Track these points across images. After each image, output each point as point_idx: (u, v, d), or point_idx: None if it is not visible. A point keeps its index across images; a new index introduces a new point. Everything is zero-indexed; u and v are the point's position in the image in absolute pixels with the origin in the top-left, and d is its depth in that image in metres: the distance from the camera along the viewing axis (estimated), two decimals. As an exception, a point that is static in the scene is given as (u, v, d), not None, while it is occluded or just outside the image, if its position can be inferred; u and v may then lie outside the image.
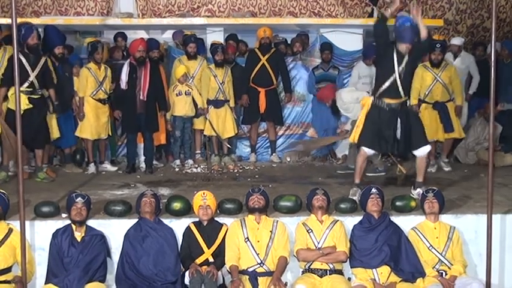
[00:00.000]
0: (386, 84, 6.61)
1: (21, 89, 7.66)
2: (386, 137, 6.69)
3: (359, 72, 9.58)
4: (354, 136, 6.85)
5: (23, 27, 7.84)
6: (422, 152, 6.78)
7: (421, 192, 6.53)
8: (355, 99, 8.50)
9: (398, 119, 6.66)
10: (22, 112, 7.49)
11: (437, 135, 8.66)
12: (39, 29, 9.14)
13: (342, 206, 6.29)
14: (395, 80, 6.59)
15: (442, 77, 8.57)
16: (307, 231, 5.82)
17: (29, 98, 7.74)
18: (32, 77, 7.77)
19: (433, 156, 8.81)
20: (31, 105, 7.73)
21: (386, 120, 6.66)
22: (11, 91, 7.74)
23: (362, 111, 6.84)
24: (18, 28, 7.69)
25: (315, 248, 5.74)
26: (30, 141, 7.85)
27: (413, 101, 8.59)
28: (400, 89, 6.62)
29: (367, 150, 6.78)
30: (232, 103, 9.47)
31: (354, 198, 6.52)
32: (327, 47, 9.82)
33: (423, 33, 6.53)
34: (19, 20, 8.72)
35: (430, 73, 8.57)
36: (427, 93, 8.62)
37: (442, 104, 8.63)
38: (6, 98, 7.84)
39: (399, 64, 6.58)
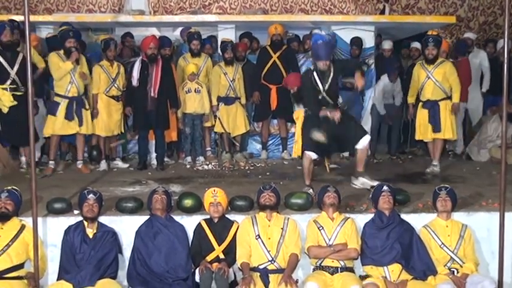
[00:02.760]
0: (315, 101, 6.79)
1: (5, 86, 7.78)
2: (326, 143, 6.76)
3: (383, 87, 9.58)
4: (297, 151, 7.04)
5: None
6: (362, 143, 6.90)
7: (366, 181, 6.78)
8: None
9: (333, 123, 6.75)
10: (7, 110, 7.66)
11: (426, 135, 8.35)
12: (52, 26, 9.25)
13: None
14: (323, 98, 6.80)
15: (435, 74, 8.14)
16: (318, 228, 5.81)
17: (13, 95, 7.79)
18: (13, 74, 7.81)
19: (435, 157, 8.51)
20: (15, 102, 7.78)
21: (322, 125, 6.74)
22: None
23: (297, 124, 7.02)
24: None
25: (326, 245, 5.74)
26: (17, 138, 7.93)
27: (409, 99, 8.59)
28: (330, 101, 6.82)
29: (311, 154, 6.89)
30: (243, 100, 9.47)
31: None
32: (356, 41, 9.77)
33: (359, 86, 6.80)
34: (15, 17, 8.89)
35: (423, 70, 8.25)
36: (420, 91, 8.33)
37: (432, 103, 8.20)
38: None
39: (324, 83, 6.77)
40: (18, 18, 8.57)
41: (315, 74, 6.76)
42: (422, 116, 8.33)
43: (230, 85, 9.29)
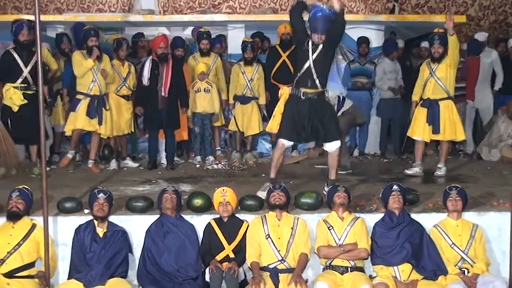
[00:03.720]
0: (302, 71, 6.60)
1: (16, 84, 7.83)
2: (303, 127, 6.62)
3: (384, 68, 9.56)
4: (271, 126, 6.81)
5: (14, 23, 7.97)
6: (330, 147, 6.68)
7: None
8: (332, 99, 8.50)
9: (314, 110, 6.60)
10: (17, 108, 7.70)
11: (424, 135, 8.02)
12: (63, 26, 9.27)
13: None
14: (310, 67, 6.57)
15: (437, 71, 7.84)
16: (328, 228, 5.80)
17: (23, 94, 7.84)
18: (26, 72, 7.86)
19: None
20: (26, 101, 7.83)
21: (303, 109, 6.60)
22: (5, 88, 7.87)
23: (280, 101, 6.78)
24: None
25: (336, 245, 5.73)
26: (25, 137, 7.99)
27: (413, 97, 8.32)
28: (316, 78, 6.57)
29: (285, 142, 6.72)
30: (262, 101, 9.47)
31: (262, 194, 6.47)
32: (364, 40, 9.81)
33: (336, 6, 6.49)
34: (26, 16, 8.95)
35: (427, 68, 8.01)
36: (423, 89, 8.06)
37: (431, 102, 7.90)
38: None
39: (313, 52, 6.57)
40: (29, 17, 8.60)
41: (310, 42, 6.64)
42: (419, 113, 8.05)
43: (248, 84, 9.31)
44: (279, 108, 6.74)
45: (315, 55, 6.55)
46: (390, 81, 9.57)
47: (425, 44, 9.93)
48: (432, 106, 7.91)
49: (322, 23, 6.52)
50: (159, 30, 10.40)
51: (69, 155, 8.36)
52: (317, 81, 6.57)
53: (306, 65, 6.57)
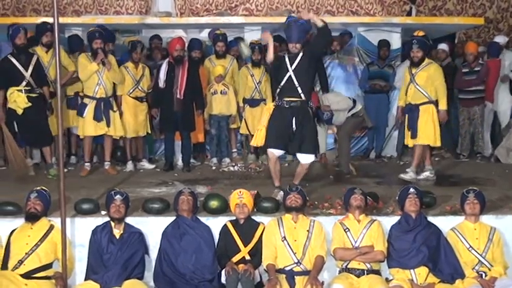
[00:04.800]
0: (283, 82, 6.61)
1: (20, 88, 7.85)
2: (288, 136, 6.63)
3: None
4: (257, 140, 6.82)
5: (11, 27, 8.02)
6: (305, 159, 6.73)
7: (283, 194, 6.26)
8: (336, 103, 8.50)
9: (297, 117, 6.60)
10: (22, 111, 7.74)
11: (407, 140, 7.88)
12: (81, 28, 9.30)
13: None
14: (290, 78, 6.58)
15: (417, 78, 7.65)
16: (345, 230, 5.79)
17: (27, 97, 7.87)
18: (27, 76, 7.90)
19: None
20: (30, 104, 7.87)
21: (287, 118, 6.61)
22: (9, 91, 7.89)
23: (265, 115, 6.80)
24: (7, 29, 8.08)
25: (352, 247, 5.72)
26: (33, 140, 8.09)
27: (398, 102, 8.26)
28: (298, 87, 6.59)
29: (274, 151, 6.72)
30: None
31: (277, 198, 6.48)
32: (385, 43, 9.78)
33: (318, 23, 6.51)
34: (45, 19, 9.00)
35: (408, 73, 7.86)
36: (405, 94, 7.90)
37: (412, 106, 7.72)
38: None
39: (292, 62, 6.59)
40: (48, 20, 8.66)
41: (286, 56, 6.67)
42: (406, 120, 7.93)
43: (256, 87, 9.29)
44: (264, 121, 6.78)
45: (294, 65, 6.59)
46: None
47: (442, 46, 9.90)
48: (412, 111, 7.76)
49: (296, 31, 6.55)
50: (175, 32, 10.44)
51: (86, 167, 8.39)
52: (299, 90, 6.60)
53: (287, 76, 6.60)
